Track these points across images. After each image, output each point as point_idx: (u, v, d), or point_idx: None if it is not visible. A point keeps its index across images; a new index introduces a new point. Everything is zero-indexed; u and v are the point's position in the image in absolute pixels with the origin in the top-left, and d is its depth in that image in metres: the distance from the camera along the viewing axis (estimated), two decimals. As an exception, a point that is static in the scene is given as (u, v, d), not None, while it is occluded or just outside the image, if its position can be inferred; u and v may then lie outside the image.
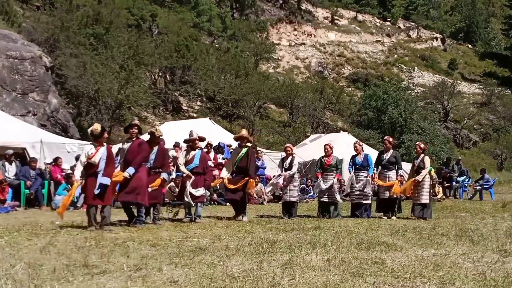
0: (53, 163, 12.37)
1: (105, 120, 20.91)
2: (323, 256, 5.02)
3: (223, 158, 13.69)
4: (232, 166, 9.23)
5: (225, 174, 9.23)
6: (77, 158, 12.54)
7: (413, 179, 9.62)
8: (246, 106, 28.82)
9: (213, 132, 15.76)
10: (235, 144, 15.61)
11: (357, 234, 6.87)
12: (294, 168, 9.79)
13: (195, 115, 28.88)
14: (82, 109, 22.50)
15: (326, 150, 10.03)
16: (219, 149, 14.10)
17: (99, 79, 20.87)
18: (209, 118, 19.35)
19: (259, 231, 7.18)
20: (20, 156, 12.69)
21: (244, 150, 9.15)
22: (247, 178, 8.97)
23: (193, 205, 8.65)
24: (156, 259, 4.85)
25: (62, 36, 22.83)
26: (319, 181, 9.91)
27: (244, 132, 9.61)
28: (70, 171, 11.77)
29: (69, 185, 11.75)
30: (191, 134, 9.04)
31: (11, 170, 11.91)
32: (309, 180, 15.84)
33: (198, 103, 31.48)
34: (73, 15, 24.41)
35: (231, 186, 8.99)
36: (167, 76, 29.04)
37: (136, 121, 8.47)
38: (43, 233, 6.74)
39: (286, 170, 9.74)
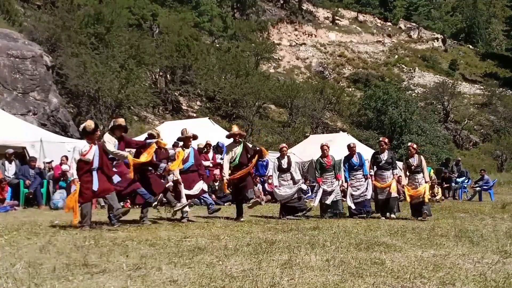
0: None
1: (105, 120, 20.94)
2: (322, 257, 5.01)
3: (221, 158, 13.65)
4: (229, 163, 9.09)
5: (226, 173, 9.03)
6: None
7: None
8: (246, 106, 28.81)
9: (212, 132, 15.75)
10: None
11: (356, 234, 6.86)
12: (298, 175, 9.70)
13: (194, 115, 28.89)
14: (82, 108, 22.52)
15: (324, 151, 9.90)
16: (217, 149, 14.06)
17: (100, 79, 20.88)
18: (209, 118, 19.39)
19: (258, 231, 7.17)
20: (20, 155, 12.69)
21: (241, 146, 9.10)
22: (247, 169, 8.91)
23: (190, 205, 8.64)
24: (155, 258, 4.85)
25: (63, 35, 22.85)
26: (321, 187, 9.64)
27: (235, 128, 9.53)
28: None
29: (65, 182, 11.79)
30: (184, 132, 8.99)
31: (10, 169, 11.91)
32: (307, 181, 15.80)
33: (198, 102, 31.49)
34: (74, 14, 24.47)
35: (237, 176, 8.91)
36: (168, 75, 29.06)
37: (121, 120, 7.88)
38: (42, 232, 6.74)
39: (283, 170, 9.61)
